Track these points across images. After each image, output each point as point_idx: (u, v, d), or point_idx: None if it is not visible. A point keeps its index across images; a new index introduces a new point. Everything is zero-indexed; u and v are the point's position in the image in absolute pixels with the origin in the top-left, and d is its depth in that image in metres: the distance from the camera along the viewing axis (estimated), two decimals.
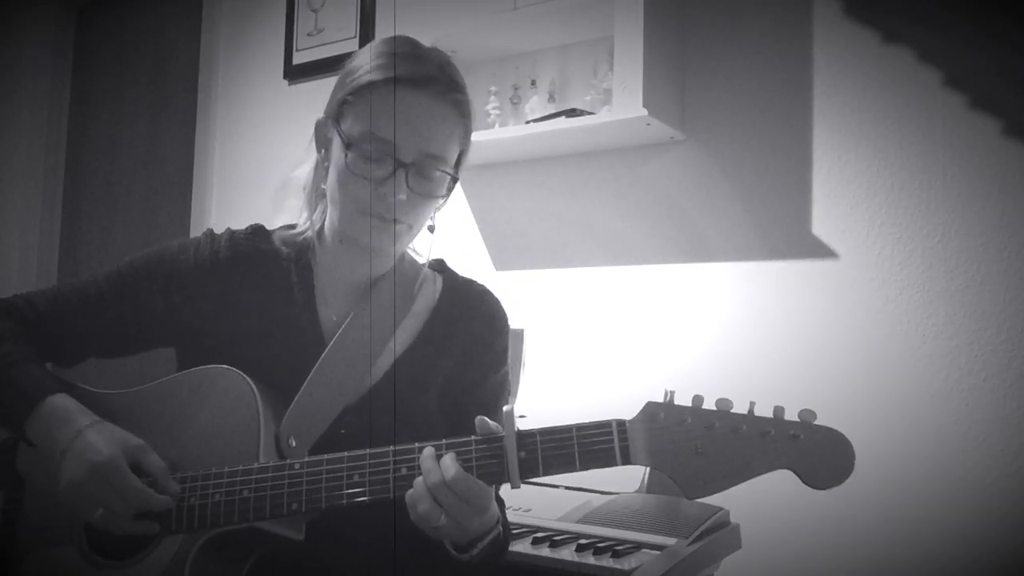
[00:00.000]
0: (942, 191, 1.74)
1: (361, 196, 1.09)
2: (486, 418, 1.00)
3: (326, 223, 1.20)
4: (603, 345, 2.04)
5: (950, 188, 1.73)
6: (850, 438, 0.94)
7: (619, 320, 2.06)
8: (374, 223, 1.10)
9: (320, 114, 1.19)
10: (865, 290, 1.80)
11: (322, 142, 1.17)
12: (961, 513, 1.66)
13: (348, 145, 1.08)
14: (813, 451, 0.92)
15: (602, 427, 0.97)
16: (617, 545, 1.41)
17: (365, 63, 1.11)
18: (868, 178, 1.82)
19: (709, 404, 0.96)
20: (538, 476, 0.98)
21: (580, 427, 0.97)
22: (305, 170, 1.23)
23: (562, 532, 1.50)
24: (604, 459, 0.96)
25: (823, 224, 1.86)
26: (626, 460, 0.96)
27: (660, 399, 1.00)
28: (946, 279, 1.73)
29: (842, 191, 1.84)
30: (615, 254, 2.10)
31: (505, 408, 0.99)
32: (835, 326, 1.82)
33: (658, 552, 1.40)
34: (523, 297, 2.12)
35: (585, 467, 0.97)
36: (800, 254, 1.88)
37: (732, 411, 0.95)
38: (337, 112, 1.13)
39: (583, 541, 1.42)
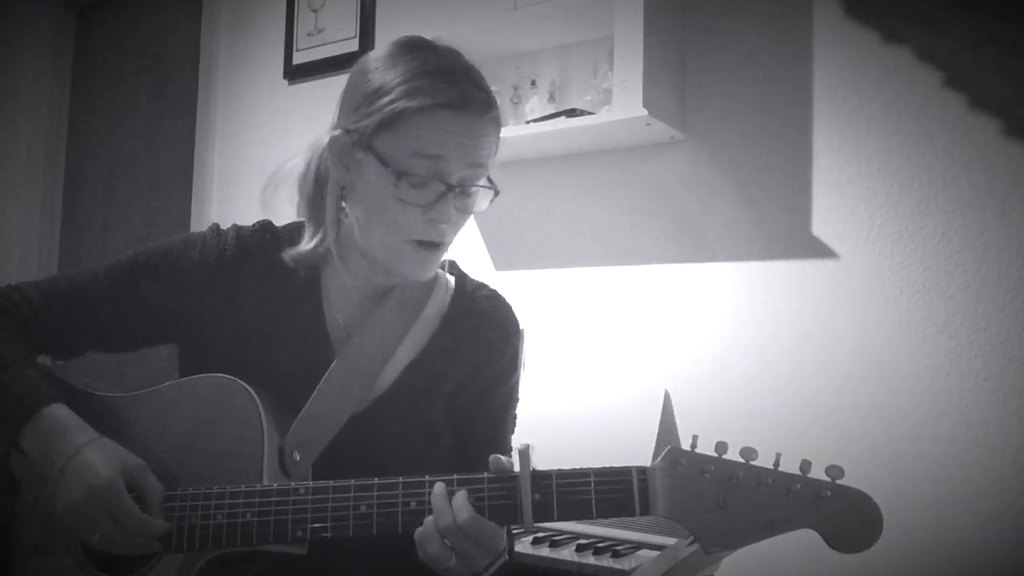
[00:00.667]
0: (942, 191, 1.74)
1: (406, 223, 1.06)
2: (500, 457, 0.97)
3: (343, 238, 1.14)
4: (603, 345, 2.04)
5: (950, 188, 1.73)
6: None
7: (619, 320, 2.06)
8: (420, 250, 1.08)
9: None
10: (865, 290, 1.80)
11: (344, 161, 1.09)
12: (961, 513, 1.66)
13: (399, 175, 1.03)
14: (840, 514, 0.89)
15: (621, 475, 0.94)
16: (617, 545, 1.41)
17: (393, 80, 1.05)
18: (868, 178, 1.82)
19: (733, 453, 0.92)
20: (552, 521, 0.95)
21: (598, 472, 0.94)
22: (296, 164, 1.17)
23: (562, 532, 1.50)
24: (622, 508, 0.93)
25: (823, 224, 1.86)
26: (645, 511, 0.92)
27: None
28: (946, 279, 1.72)
29: (842, 191, 1.84)
30: (615, 254, 2.10)
31: (520, 446, 0.96)
32: (835, 326, 1.82)
33: (658, 552, 1.40)
34: (523, 297, 2.11)
35: (602, 515, 0.94)
36: (800, 254, 1.88)
37: (756, 463, 0.91)
38: (370, 135, 1.05)
39: (583, 541, 1.42)
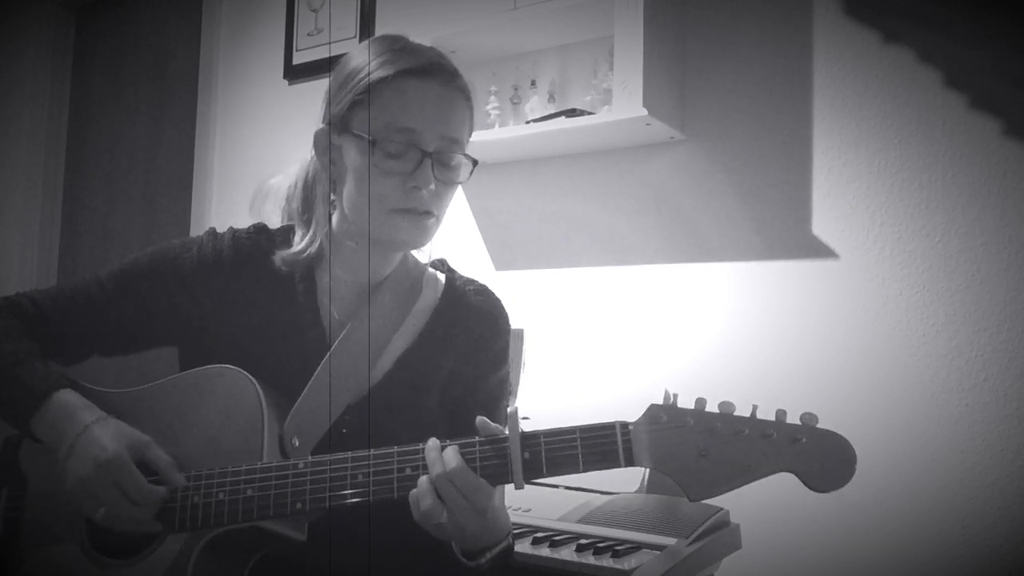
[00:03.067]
0: (942, 191, 1.74)
1: (389, 194, 1.11)
2: (487, 419, 1.00)
3: (334, 229, 1.19)
4: (603, 345, 2.04)
5: (950, 188, 1.73)
6: (850, 438, 0.94)
7: (619, 320, 2.06)
8: (408, 218, 1.12)
9: (318, 119, 1.19)
10: (865, 290, 1.80)
11: (326, 151, 1.17)
12: (961, 513, 1.66)
13: (373, 143, 1.09)
14: (815, 454, 0.93)
15: (605, 429, 0.97)
16: (617, 545, 1.41)
17: (365, 62, 1.12)
18: (868, 178, 1.82)
19: (712, 407, 0.97)
20: (542, 477, 0.98)
21: (584, 428, 0.98)
22: (282, 180, 1.25)
23: (562, 532, 1.50)
24: (607, 460, 0.96)
25: (823, 224, 1.86)
26: (629, 462, 0.96)
27: (661, 400, 1.00)
28: (946, 279, 1.72)
29: (842, 191, 1.84)
30: (615, 254, 2.10)
31: (509, 409, 0.99)
32: (835, 326, 1.82)
33: (658, 552, 1.40)
34: (523, 297, 2.12)
35: (588, 468, 0.97)
36: (800, 254, 1.88)
37: (735, 414, 0.96)
38: (345, 116, 1.13)
39: (583, 541, 1.42)
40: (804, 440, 0.93)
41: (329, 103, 1.16)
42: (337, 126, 1.14)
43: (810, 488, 0.93)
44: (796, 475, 0.93)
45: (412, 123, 1.09)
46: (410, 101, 1.09)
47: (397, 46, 1.13)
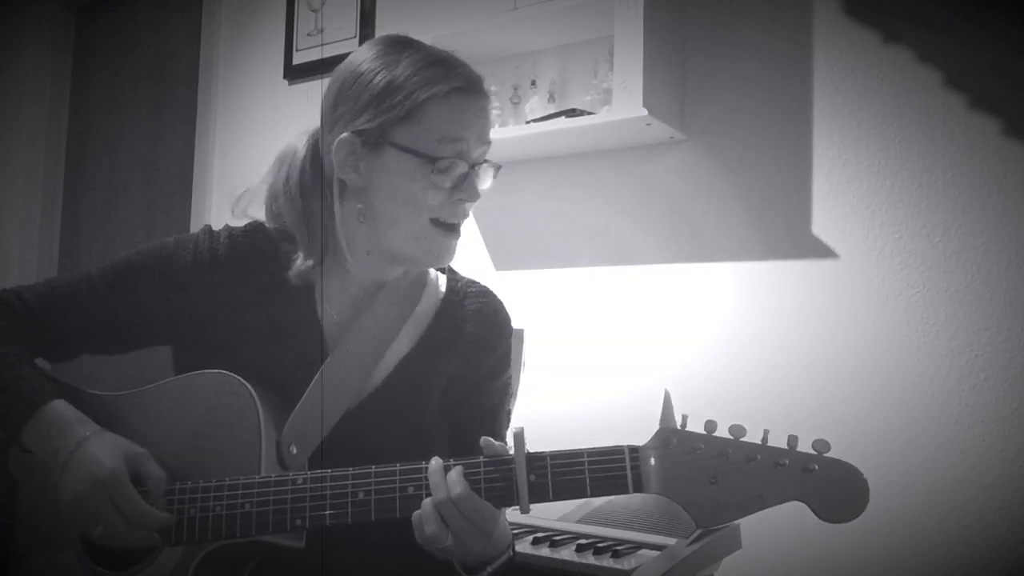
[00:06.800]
0: (942, 191, 1.74)
1: (433, 207, 1.10)
2: (491, 439, 0.98)
3: (350, 239, 1.15)
4: (603, 345, 2.04)
5: (950, 188, 1.73)
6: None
7: (619, 320, 2.06)
8: (445, 234, 1.12)
9: (319, 120, 1.16)
10: (865, 290, 1.80)
11: (351, 162, 1.11)
12: (961, 513, 1.66)
13: (433, 160, 1.08)
14: (828, 485, 0.91)
15: (614, 453, 0.95)
16: (617, 545, 1.41)
17: (403, 76, 1.09)
18: (868, 178, 1.82)
19: (722, 430, 0.94)
20: (548, 501, 0.96)
21: (591, 452, 0.96)
22: (261, 183, 1.20)
23: (562, 532, 1.50)
24: (615, 487, 0.95)
25: (823, 224, 1.86)
26: (638, 488, 0.94)
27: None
28: (946, 279, 1.72)
29: (842, 191, 1.84)
30: (615, 254, 2.10)
31: (515, 429, 0.97)
32: (835, 326, 1.82)
33: (658, 552, 1.40)
34: (523, 297, 2.12)
35: (596, 494, 0.95)
36: (800, 254, 1.88)
37: (745, 439, 0.93)
38: (385, 130, 1.09)
39: (583, 541, 1.42)
40: (817, 469, 0.91)
41: (361, 111, 1.10)
42: (375, 140, 1.09)
43: (821, 519, 0.91)
44: (807, 505, 0.91)
45: (464, 133, 1.10)
46: (461, 117, 1.10)
47: (432, 58, 1.12)
